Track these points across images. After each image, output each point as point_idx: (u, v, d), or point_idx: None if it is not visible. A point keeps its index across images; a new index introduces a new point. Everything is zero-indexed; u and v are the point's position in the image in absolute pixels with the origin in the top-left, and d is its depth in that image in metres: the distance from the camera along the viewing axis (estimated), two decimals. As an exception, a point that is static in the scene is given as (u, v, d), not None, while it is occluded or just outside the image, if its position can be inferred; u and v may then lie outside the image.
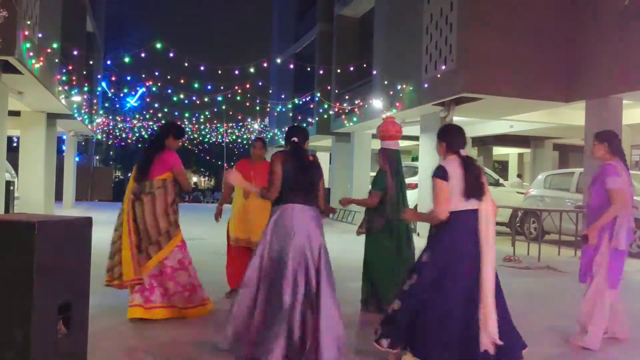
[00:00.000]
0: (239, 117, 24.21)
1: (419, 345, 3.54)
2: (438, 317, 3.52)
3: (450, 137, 3.81)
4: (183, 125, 5.07)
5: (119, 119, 25.41)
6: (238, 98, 16.64)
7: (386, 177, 5.23)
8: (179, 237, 4.85)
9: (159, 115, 22.95)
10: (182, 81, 15.06)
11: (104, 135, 25.53)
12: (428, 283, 3.62)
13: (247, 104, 18.34)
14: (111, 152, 44.26)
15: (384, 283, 5.12)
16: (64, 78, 12.66)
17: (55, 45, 11.00)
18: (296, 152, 4.00)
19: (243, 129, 26.38)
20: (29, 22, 8.68)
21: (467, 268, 3.56)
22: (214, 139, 29.02)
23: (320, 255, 3.84)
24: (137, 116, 26.82)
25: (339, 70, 16.41)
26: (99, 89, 22.04)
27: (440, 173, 3.70)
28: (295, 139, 4.06)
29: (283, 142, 18.51)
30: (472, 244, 3.58)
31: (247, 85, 15.80)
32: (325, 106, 16.72)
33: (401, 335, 3.64)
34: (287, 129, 4.24)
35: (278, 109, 20.63)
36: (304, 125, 19.88)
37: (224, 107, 18.42)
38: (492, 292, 3.52)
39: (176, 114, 21.99)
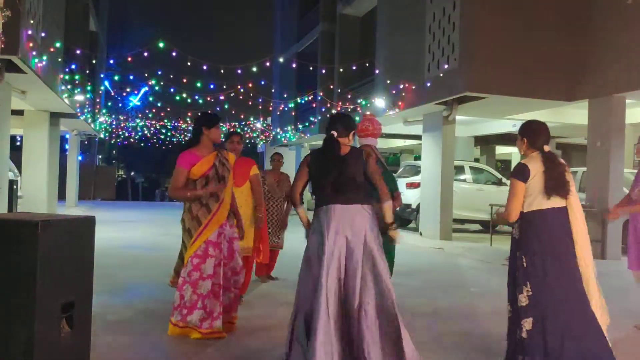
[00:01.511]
0: (242, 116, 24.20)
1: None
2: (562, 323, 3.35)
3: (533, 134, 3.60)
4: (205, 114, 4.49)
5: (122, 118, 25.44)
6: (240, 97, 16.65)
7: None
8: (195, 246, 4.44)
9: (162, 114, 22.99)
10: (184, 80, 15.09)
11: (107, 134, 25.55)
12: (541, 289, 3.43)
13: (250, 103, 18.36)
14: (114, 151, 44.33)
15: None
16: (67, 77, 12.68)
17: (58, 45, 11.02)
18: (324, 148, 3.67)
19: (246, 128, 26.38)
20: (32, 22, 8.70)
21: (564, 266, 3.46)
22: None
23: (360, 259, 3.46)
24: (139, 115, 26.84)
25: (341, 69, 16.41)
26: (102, 88, 22.07)
27: (519, 172, 3.52)
28: (334, 132, 3.67)
29: (286, 140, 18.33)
30: (562, 242, 3.49)
31: (250, 85, 15.81)
32: (328, 105, 16.71)
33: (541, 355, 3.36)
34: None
35: (280, 108, 20.63)
36: (307, 124, 19.91)
37: (226, 107, 18.42)
38: (596, 287, 3.46)
39: (178, 113, 22.05)
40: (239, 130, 23.29)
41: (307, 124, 20.15)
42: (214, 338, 4.14)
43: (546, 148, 3.57)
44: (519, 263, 3.52)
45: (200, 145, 4.33)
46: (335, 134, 3.65)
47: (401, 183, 14.40)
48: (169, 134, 26.09)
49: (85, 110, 16.39)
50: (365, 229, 3.50)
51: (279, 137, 23.57)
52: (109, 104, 24.34)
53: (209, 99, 16.40)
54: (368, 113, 6.11)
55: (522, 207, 3.54)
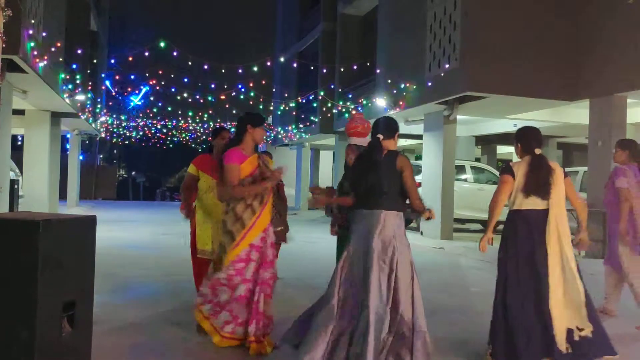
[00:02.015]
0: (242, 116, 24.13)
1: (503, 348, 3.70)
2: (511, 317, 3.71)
3: (525, 139, 3.99)
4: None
5: (123, 118, 25.45)
6: (242, 97, 16.65)
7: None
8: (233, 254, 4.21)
9: (163, 113, 23.00)
10: (185, 80, 15.09)
11: (108, 134, 25.58)
12: (501, 281, 3.86)
13: (251, 102, 18.36)
14: (115, 151, 44.34)
15: None
16: (68, 77, 12.69)
17: (59, 44, 11.03)
18: (365, 152, 3.82)
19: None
20: (33, 21, 8.71)
21: (528, 265, 3.76)
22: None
23: (371, 264, 3.49)
24: (141, 115, 26.85)
25: (342, 69, 16.40)
26: (103, 87, 22.08)
27: (504, 169, 3.96)
28: (380, 136, 3.74)
29: (287, 141, 18.29)
30: (535, 244, 3.75)
31: (251, 84, 15.81)
32: (329, 105, 16.71)
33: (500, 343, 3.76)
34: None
35: (281, 108, 20.63)
36: (308, 123, 19.91)
37: (227, 106, 18.43)
38: (559, 290, 3.70)
39: (180, 112, 22.06)
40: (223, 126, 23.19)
41: (308, 124, 20.15)
42: (230, 345, 4.01)
43: (537, 151, 3.91)
44: (499, 253, 3.94)
45: (244, 144, 4.20)
46: (381, 137, 3.73)
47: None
48: (169, 133, 26.10)
49: (86, 110, 16.40)
50: (392, 235, 3.54)
51: (279, 136, 23.58)
52: (110, 103, 24.35)
53: (210, 98, 16.40)
54: (355, 112, 6.09)
55: (510, 205, 3.92)
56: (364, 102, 14.69)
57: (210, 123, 25.42)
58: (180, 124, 24.44)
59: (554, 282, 3.71)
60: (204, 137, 28.02)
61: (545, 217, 3.76)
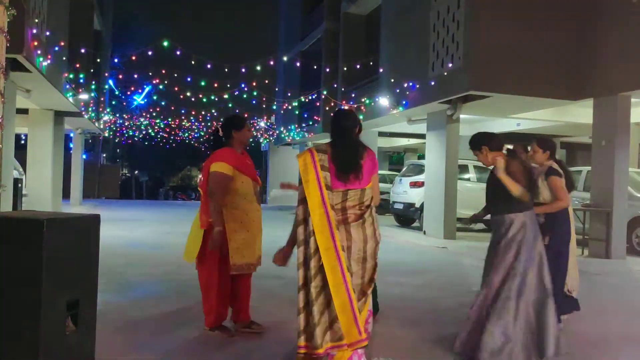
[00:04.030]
0: (245, 115, 24.18)
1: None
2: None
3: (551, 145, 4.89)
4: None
5: (126, 117, 25.49)
6: (245, 96, 16.67)
7: None
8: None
9: (166, 112, 23.03)
10: (189, 79, 15.10)
11: (111, 133, 25.61)
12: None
13: (254, 101, 18.38)
14: (118, 150, 44.42)
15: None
16: (71, 76, 12.71)
17: (63, 43, 11.05)
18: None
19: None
20: (37, 20, 8.72)
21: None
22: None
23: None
24: (144, 114, 26.88)
25: (345, 68, 16.38)
26: (106, 86, 22.10)
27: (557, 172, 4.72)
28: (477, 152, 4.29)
29: (291, 140, 18.27)
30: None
31: (254, 83, 15.83)
32: (332, 104, 16.70)
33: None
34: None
35: (284, 107, 20.64)
36: (311, 122, 19.90)
37: (230, 105, 18.44)
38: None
39: (183, 111, 22.06)
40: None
41: (311, 123, 20.14)
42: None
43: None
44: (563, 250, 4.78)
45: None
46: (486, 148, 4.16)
47: (405, 182, 14.42)
48: (173, 132, 26.12)
49: (90, 109, 16.43)
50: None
51: (282, 135, 23.58)
52: (114, 102, 24.38)
53: (213, 97, 16.42)
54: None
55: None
56: (367, 101, 14.68)
57: (214, 122, 25.44)
58: (184, 124, 24.47)
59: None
60: (208, 135, 28.02)
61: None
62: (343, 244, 3.19)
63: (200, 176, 4.37)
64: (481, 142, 4.18)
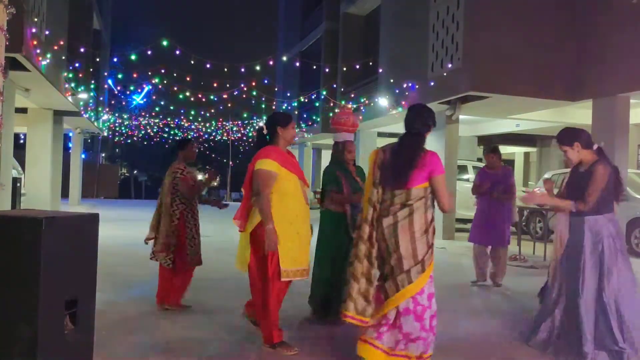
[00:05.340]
0: (244, 115, 24.23)
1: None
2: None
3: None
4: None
5: (125, 116, 25.50)
6: (244, 96, 16.67)
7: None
8: (432, 268, 3.76)
9: (165, 112, 23.04)
10: (188, 79, 15.11)
11: (110, 133, 25.61)
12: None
13: (253, 101, 18.39)
14: (117, 150, 44.39)
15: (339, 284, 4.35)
16: (70, 75, 12.70)
17: (62, 43, 11.04)
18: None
19: (249, 127, 26.39)
20: (36, 20, 8.72)
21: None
22: (219, 137, 29.06)
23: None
24: (143, 113, 26.89)
25: (344, 69, 16.39)
26: (106, 86, 22.09)
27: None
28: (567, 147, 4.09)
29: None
30: None
31: (253, 83, 15.83)
32: (331, 104, 16.70)
33: None
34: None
35: (283, 107, 20.63)
36: (310, 122, 19.90)
37: (229, 105, 18.46)
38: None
39: (182, 111, 22.07)
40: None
41: (310, 123, 20.15)
42: None
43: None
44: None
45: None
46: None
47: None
48: (172, 132, 26.12)
49: (89, 109, 16.42)
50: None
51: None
52: (113, 102, 24.38)
53: (212, 97, 16.42)
54: (347, 106, 6.05)
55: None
56: (366, 101, 14.68)
57: (213, 122, 25.43)
58: (182, 123, 24.47)
59: None
60: (207, 135, 28.03)
61: None
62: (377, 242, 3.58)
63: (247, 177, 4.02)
64: (575, 137, 4.00)
